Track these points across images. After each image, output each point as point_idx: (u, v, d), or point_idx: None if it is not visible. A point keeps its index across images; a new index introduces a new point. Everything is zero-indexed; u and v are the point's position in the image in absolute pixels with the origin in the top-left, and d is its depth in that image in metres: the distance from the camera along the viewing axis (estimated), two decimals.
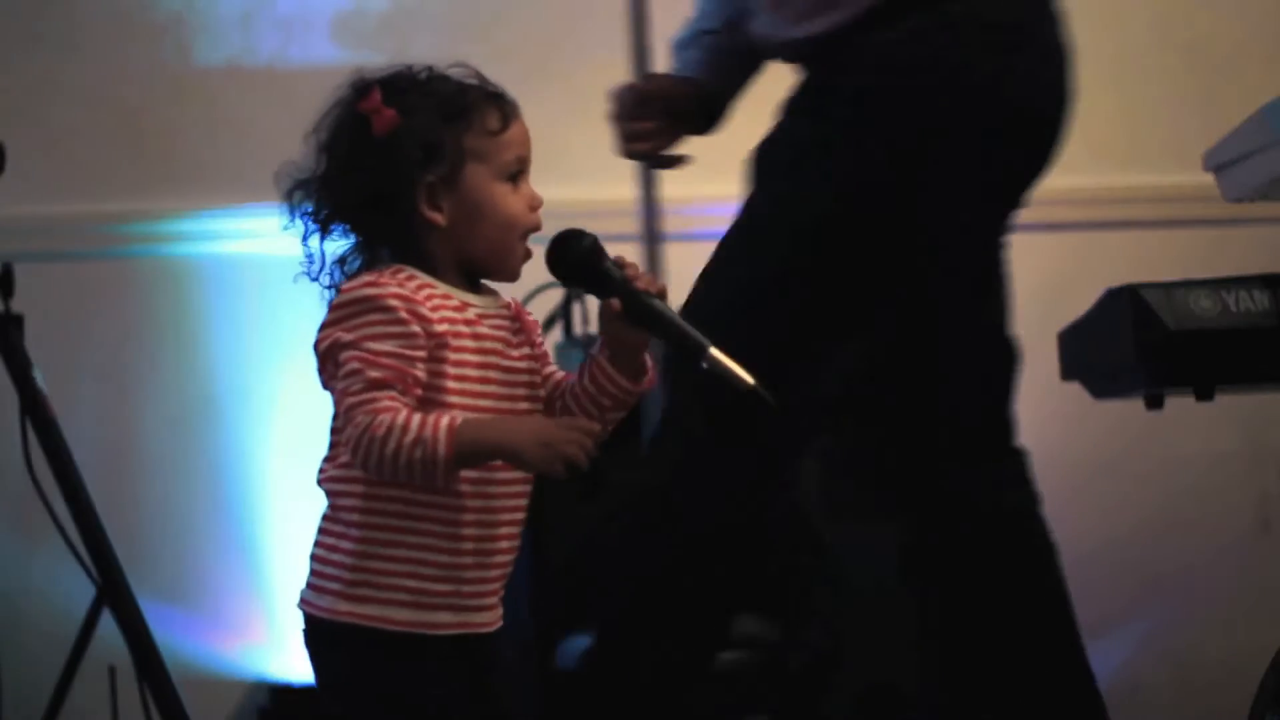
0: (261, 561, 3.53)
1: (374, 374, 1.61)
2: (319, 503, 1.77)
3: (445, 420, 1.59)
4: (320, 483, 1.72)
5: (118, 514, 2.83)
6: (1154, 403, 2.58)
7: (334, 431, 1.68)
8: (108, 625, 2.67)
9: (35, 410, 2.69)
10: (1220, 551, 3.59)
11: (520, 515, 1.72)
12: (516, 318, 1.75)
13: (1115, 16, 3.80)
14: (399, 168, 1.67)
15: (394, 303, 1.63)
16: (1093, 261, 3.56)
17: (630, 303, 1.69)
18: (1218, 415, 2.84)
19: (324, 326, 1.66)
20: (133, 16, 3.65)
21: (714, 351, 1.67)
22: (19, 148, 2.72)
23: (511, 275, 1.73)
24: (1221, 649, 3.44)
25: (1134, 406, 2.65)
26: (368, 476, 1.64)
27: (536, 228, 1.72)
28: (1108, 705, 2.25)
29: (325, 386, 1.68)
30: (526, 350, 1.74)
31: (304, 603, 1.70)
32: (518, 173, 1.71)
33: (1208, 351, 2.39)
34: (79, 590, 2.70)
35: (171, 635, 2.75)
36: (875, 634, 3.04)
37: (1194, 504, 3.61)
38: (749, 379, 1.66)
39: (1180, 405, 2.58)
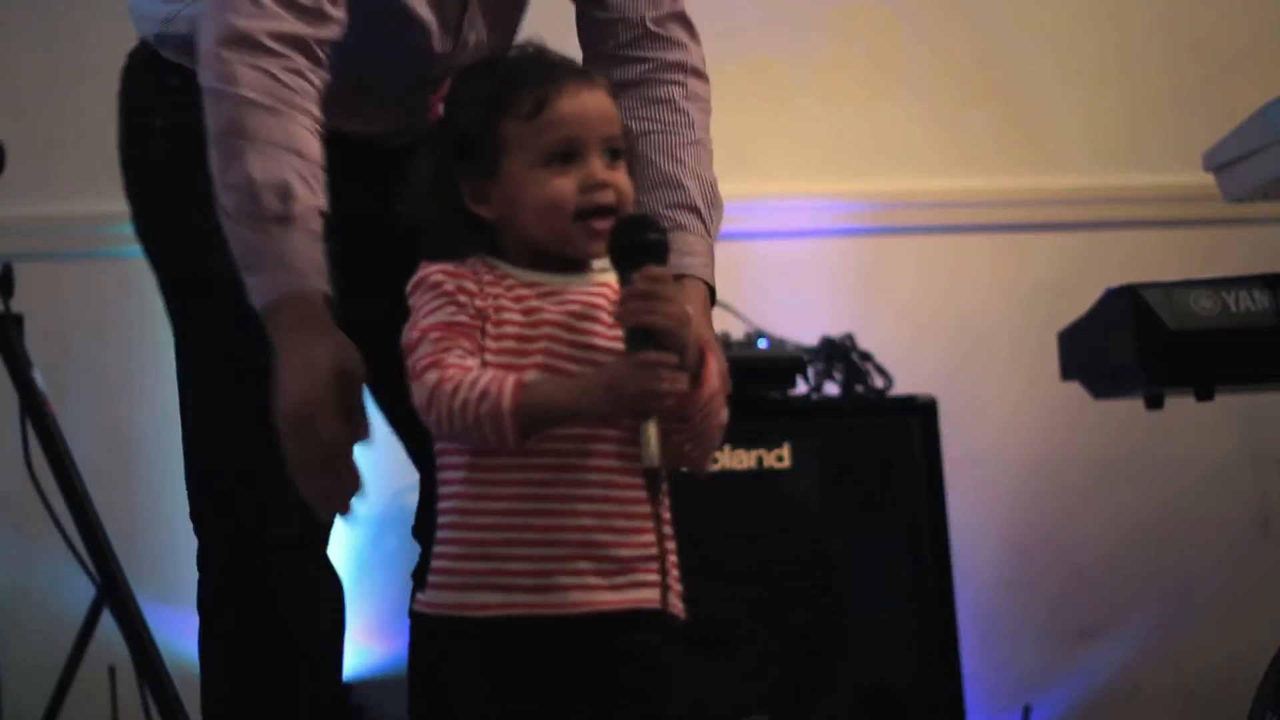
0: None
1: (435, 335, 1.60)
2: None
3: (513, 377, 1.57)
4: None
5: (118, 514, 2.83)
6: (1154, 403, 2.58)
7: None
8: (108, 625, 2.67)
9: (35, 410, 2.69)
10: (1220, 551, 3.58)
11: (603, 481, 1.61)
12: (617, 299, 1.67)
13: (1117, 15, 3.80)
14: (438, 163, 1.67)
15: (438, 278, 1.63)
16: (1093, 261, 3.56)
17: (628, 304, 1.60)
18: (1218, 415, 2.84)
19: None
20: None
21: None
22: (19, 148, 2.72)
23: (582, 257, 1.66)
24: (1221, 649, 3.44)
25: (1134, 406, 2.65)
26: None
27: (592, 207, 1.63)
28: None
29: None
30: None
31: None
32: (564, 154, 1.63)
33: (1208, 351, 2.39)
34: (79, 590, 2.70)
35: (171, 635, 2.75)
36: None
37: (1194, 504, 3.60)
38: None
39: (1180, 405, 2.58)
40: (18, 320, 2.73)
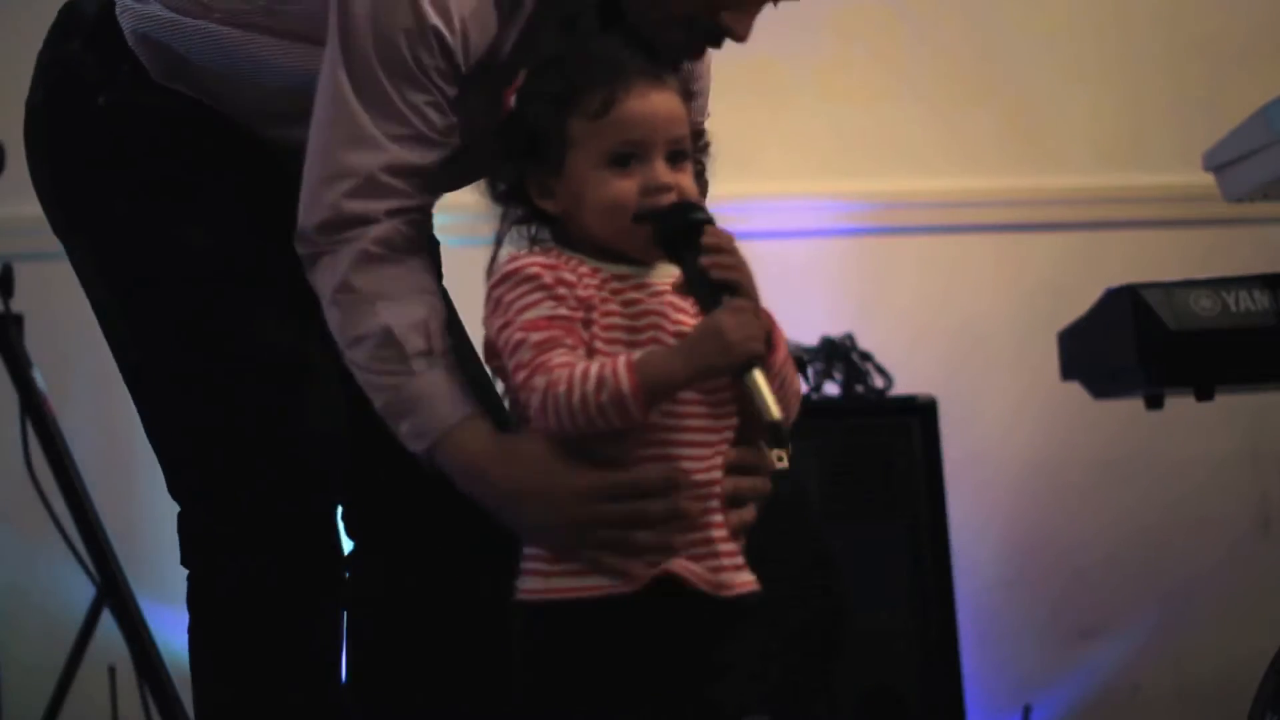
0: None
1: (537, 337, 1.59)
2: None
3: (622, 358, 1.56)
4: None
5: (118, 514, 2.83)
6: (1154, 403, 2.58)
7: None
8: (108, 625, 2.67)
9: (35, 410, 2.69)
10: (1220, 551, 3.58)
11: (697, 455, 1.62)
12: None
13: (1119, 15, 3.80)
14: (508, 158, 1.66)
15: (534, 270, 1.61)
16: (1093, 261, 3.56)
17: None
18: (1218, 415, 2.84)
19: (486, 320, 1.64)
20: None
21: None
22: (19, 148, 2.72)
23: (641, 259, 1.65)
24: (1221, 649, 3.44)
25: (1134, 406, 2.65)
26: None
27: (654, 211, 1.63)
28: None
29: (503, 379, 1.64)
30: None
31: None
32: (627, 155, 1.62)
33: (1208, 351, 2.39)
34: (79, 590, 2.70)
35: (171, 635, 2.75)
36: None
37: (1194, 504, 3.60)
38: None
39: (1180, 405, 2.58)
40: (18, 320, 2.73)
